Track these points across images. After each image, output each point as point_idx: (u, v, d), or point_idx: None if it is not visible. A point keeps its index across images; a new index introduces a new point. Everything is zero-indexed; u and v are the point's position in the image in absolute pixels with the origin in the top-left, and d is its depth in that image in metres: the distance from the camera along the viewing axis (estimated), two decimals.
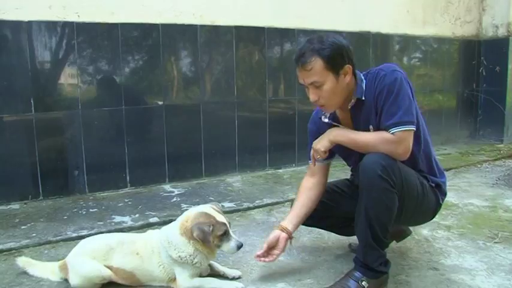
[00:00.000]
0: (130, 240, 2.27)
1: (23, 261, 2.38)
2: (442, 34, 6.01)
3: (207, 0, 4.25)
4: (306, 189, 2.36)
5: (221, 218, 2.15)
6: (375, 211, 1.98)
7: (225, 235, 2.13)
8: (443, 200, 2.28)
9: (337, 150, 2.25)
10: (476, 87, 6.44)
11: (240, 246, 2.15)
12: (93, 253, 2.19)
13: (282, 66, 4.79)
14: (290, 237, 2.27)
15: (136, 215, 3.28)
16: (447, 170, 4.59)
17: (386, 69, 2.03)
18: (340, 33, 4.94)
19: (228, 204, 3.53)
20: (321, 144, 2.13)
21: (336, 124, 2.22)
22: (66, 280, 2.25)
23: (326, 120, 2.23)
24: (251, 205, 3.52)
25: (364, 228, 2.02)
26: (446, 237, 2.83)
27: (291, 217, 2.30)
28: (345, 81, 2.04)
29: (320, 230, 2.78)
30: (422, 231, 2.92)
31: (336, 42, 2.00)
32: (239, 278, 2.29)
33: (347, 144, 2.10)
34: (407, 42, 5.72)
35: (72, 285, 2.20)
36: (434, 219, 3.08)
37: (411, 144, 1.99)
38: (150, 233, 2.36)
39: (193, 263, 2.14)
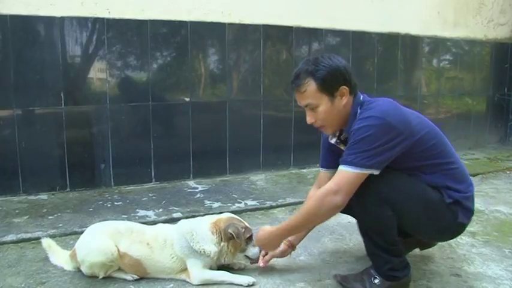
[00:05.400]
0: (140, 230, 2.34)
1: (47, 243, 2.47)
2: (473, 36, 5.89)
3: None
4: None
5: (247, 224, 2.31)
6: (365, 223, 2.09)
7: (250, 239, 2.27)
8: (466, 218, 2.08)
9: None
10: (508, 91, 6.30)
11: (261, 251, 2.31)
12: (101, 235, 2.27)
13: None
14: (293, 249, 2.41)
15: (160, 210, 3.33)
16: (474, 176, 4.51)
17: (374, 112, 1.92)
18: (368, 34, 4.93)
19: (251, 203, 3.54)
20: (274, 247, 2.24)
21: (340, 148, 2.18)
22: (79, 270, 2.31)
23: (332, 141, 2.23)
24: (274, 204, 3.53)
25: (362, 236, 2.15)
26: (470, 244, 2.78)
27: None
28: (341, 102, 2.01)
29: (342, 231, 2.89)
30: None
31: (330, 64, 1.97)
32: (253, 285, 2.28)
33: (289, 235, 2.20)
34: (437, 44, 5.62)
35: (84, 271, 2.27)
36: None
37: (352, 187, 1.91)
38: (161, 226, 2.44)
39: (213, 257, 2.23)
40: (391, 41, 5.24)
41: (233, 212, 3.22)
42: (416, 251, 2.57)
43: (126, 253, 2.23)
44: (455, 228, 2.13)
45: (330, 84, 1.97)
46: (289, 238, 2.34)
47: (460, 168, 2.09)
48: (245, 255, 2.33)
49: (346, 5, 4.84)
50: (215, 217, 2.34)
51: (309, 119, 2.07)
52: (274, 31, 4.51)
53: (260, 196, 3.72)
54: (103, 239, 2.23)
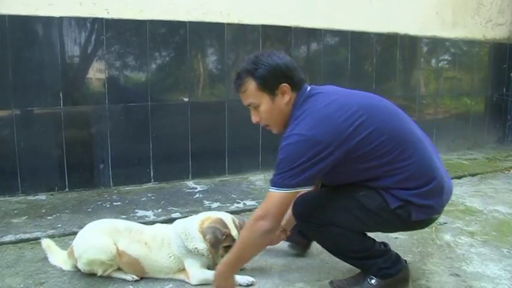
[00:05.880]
0: (138, 229, 2.34)
1: (46, 244, 2.48)
2: (472, 37, 5.89)
3: None
4: None
5: (235, 232, 2.23)
6: (325, 246, 2.17)
7: (229, 248, 2.20)
8: (423, 214, 1.97)
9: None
10: (506, 91, 6.30)
11: None
12: (100, 232, 2.28)
13: (308, 66, 4.77)
14: (286, 234, 2.45)
15: (159, 210, 3.33)
16: (473, 175, 4.53)
17: (298, 129, 1.87)
18: (367, 34, 4.94)
19: (249, 203, 3.54)
20: (226, 283, 2.06)
21: None
22: (77, 268, 2.31)
23: None
24: None
25: (334, 256, 2.19)
26: (469, 244, 2.78)
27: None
28: (283, 100, 1.97)
29: None
30: (445, 236, 2.88)
31: (270, 62, 1.95)
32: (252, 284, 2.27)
33: (236, 268, 2.07)
34: (436, 44, 5.63)
35: (81, 268, 2.27)
36: (457, 224, 3.09)
37: (279, 209, 1.89)
38: (159, 225, 2.45)
39: (207, 255, 2.24)
40: (390, 41, 5.24)
41: (232, 212, 3.23)
42: (415, 250, 2.58)
43: (125, 252, 2.23)
44: (414, 225, 2.07)
45: (269, 82, 1.95)
46: (283, 225, 2.36)
47: (417, 162, 1.92)
48: None
49: (345, 5, 4.84)
50: (206, 215, 2.31)
51: (254, 118, 2.05)
52: (273, 31, 4.51)
53: (259, 196, 3.72)
54: (102, 237, 2.23)
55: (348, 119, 1.85)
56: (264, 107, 1.99)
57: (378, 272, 2.07)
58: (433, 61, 5.71)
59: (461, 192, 3.95)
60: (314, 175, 1.85)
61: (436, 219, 2.10)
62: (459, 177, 4.47)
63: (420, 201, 1.92)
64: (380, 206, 1.94)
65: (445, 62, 5.84)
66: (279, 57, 1.98)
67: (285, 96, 1.97)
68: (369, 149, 1.86)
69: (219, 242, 2.17)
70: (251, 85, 1.96)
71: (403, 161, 1.90)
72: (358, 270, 2.21)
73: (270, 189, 1.88)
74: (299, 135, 1.84)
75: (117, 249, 2.22)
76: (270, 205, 1.88)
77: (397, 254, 2.14)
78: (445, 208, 3.44)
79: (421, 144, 1.98)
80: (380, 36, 5.11)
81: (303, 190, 1.90)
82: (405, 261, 2.16)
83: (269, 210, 1.88)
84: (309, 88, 2.01)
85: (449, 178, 2.08)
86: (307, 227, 2.10)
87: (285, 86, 1.96)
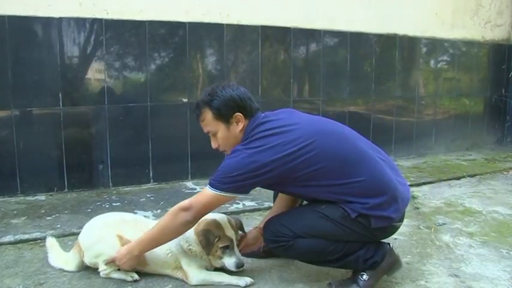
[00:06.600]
0: (144, 221, 2.40)
1: (51, 243, 2.50)
2: (471, 37, 5.90)
3: None
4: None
5: (230, 233, 2.24)
6: (300, 258, 2.24)
7: (228, 249, 2.22)
8: (382, 222, 2.04)
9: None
10: (505, 92, 6.31)
11: (239, 266, 2.23)
12: (106, 224, 2.31)
13: (307, 67, 4.79)
14: None
15: (158, 211, 3.33)
16: (472, 176, 4.54)
17: (244, 147, 2.05)
18: (366, 35, 4.95)
19: (249, 203, 3.55)
20: (128, 264, 2.20)
21: None
22: (82, 264, 2.32)
23: None
24: (272, 204, 3.51)
25: (320, 265, 2.26)
26: (468, 244, 2.79)
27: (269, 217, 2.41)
28: (237, 128, 2.15)
29: None
30: (444, 237, 2.89)
31: (224, 94, 2.13)
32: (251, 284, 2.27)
33: (147, 249, 2.18)
34: (435, 45, 5.63)
35: (86, 261, 2.28)
36: (456, 225, 3.08)
37: (205, 207, 2.07)
38: None
39: (201, 257, 2.25)
40: (389, 42, 5.25)
41: (231, 213, 3.23)
42: (415, 251, 2.58)
43: (130, 241, 2.23)
44: (377, 232, 2.12)
45: (224, 112, 2.12)
46: (261, 225, 2.38)
47: (366, 180, 2.02)
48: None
49: (345, 6, 4.84)
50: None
51: (213, 144, 2.24)
52: (272, 32, 4.52)
53: (258, 197, 3.71)
54: (109, 231, 2.26)
55: (288, 144, 1.99)
56: (220, 134, 2.17)
57: (364, 265, 2.11)
58: (432, 62, 5.72)
59: (460, 193, 3.96)
60: (248, 186, 2.04)
61: (399, 226, 2.20)
62: (458, 178, 4.47)
63: (375, 213, 2.02)
64: (342, 216, 2.04)
65: (444, 63, 5.85)
66: (233, 89, 2.16)
67: (239, 124, 2.15)
68: (309, 171, 1.99)
69: (211, 244, 2.18)
70: (208, 115, 2.15)
71: (351, 178, 2.02)
72: None
73: (206, 187, 2.06)
74: (242, 152, 2.02)
75: (123, 239, 2.23)
76: (199, 200, 2.07)
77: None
78: (445, 209, 3.48)
79: (371, 161, 2.09)
80: (379, 37, 5.12)
81: (235, 196, 2.09)
82: (388, 244, 2.19)
83: (195, 205, 2.05)
84: (262, 115, 2.19)
85: (405, 185, 2.20)
86: (278, 247, 2.14)
87: (238, 115, 2.13)
